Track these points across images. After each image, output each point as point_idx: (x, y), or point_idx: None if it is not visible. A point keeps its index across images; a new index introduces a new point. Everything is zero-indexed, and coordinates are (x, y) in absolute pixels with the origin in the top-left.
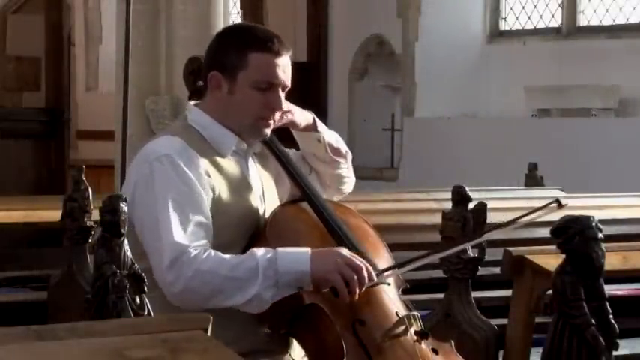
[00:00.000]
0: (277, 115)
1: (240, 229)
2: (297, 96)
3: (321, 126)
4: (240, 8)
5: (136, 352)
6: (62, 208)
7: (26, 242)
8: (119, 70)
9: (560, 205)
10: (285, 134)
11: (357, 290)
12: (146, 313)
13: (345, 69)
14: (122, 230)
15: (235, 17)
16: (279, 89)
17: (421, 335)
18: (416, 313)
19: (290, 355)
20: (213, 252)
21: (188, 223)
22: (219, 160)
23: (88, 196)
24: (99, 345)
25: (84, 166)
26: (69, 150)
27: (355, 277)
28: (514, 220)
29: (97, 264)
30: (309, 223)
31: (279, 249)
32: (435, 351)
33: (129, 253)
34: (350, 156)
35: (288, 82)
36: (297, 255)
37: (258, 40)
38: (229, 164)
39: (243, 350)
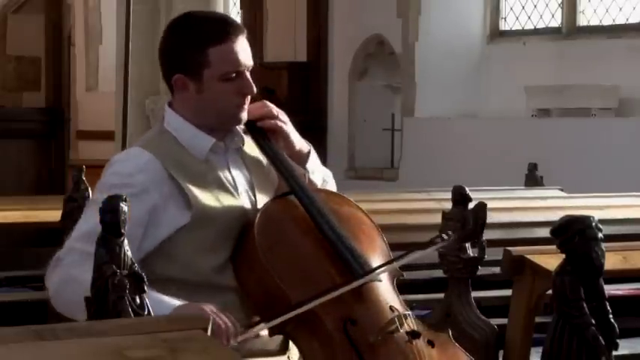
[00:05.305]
0: (248, 100)
1: (224, 232)
2: (298, 96)
3: (312, 163)
4: (240, 8)
5: (136, 352)
6: (62, 208)
7: (26, 242)
8: (119, 70)
9: (445, 239)
10: None
11: (226, 334)
12: (146, 313)
13: (345, 69)
14: (122, 230)
15: (235, 17)
16: (247, 73)
17: (412, 335)
18: (408, 312)
19: (288, 356)
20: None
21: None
22: (195, 164)
23: (88, 196)
24: (99, 345)
25: (84, 166)
26: (69, 150)
27: (224, 321)
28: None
29: (97, 264)
30: (298, 220)
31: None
32: (431, 343)
33: (129, 253)
34: (334, 190)
35: (251, 62)
36: (164, 302)
37: (212, 32)
38: (206, 167)
39: (241, 353)
